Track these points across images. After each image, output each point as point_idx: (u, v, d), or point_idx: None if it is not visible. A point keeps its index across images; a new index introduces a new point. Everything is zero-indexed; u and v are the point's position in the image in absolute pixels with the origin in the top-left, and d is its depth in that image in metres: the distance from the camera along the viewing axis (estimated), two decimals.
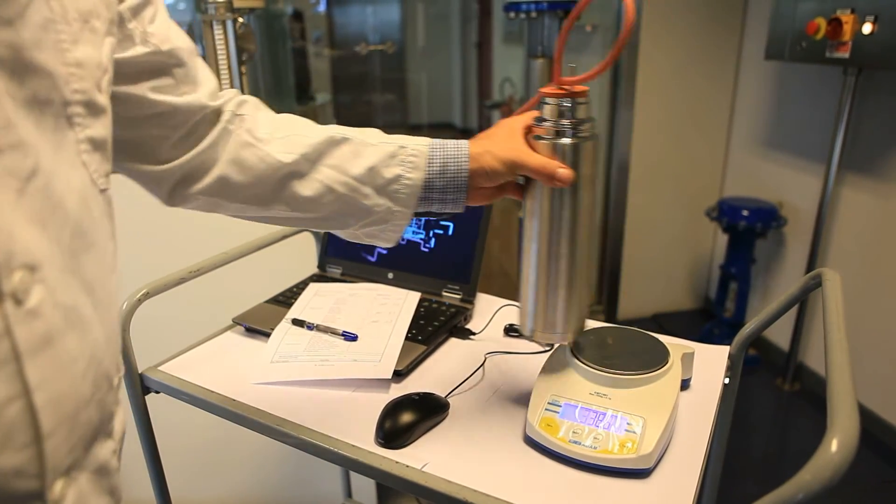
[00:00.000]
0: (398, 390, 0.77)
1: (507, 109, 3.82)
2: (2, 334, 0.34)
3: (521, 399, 0.72)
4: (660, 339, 0.75)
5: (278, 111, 0.67)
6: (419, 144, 0.63)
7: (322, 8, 4.02)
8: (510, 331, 0.91)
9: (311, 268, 1.12)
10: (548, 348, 0.87)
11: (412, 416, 0.67)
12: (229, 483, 1.49)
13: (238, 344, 0.91)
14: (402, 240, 1.02)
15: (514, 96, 3.71)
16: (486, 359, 0.84)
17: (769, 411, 2.29)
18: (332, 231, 0.68)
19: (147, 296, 0.83)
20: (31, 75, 0.37)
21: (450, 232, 0.99)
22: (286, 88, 3.06)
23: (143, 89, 0.56)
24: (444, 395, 0.74)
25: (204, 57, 1.60)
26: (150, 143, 0.60)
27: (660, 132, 2.64)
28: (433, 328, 0.89)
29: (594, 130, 0.62)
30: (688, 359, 0.74)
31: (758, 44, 2.38)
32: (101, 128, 0.44)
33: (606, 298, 2.91)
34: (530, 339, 0.69)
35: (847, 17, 1.76)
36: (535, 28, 2.06)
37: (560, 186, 0.61)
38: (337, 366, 0.80)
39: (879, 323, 2.02)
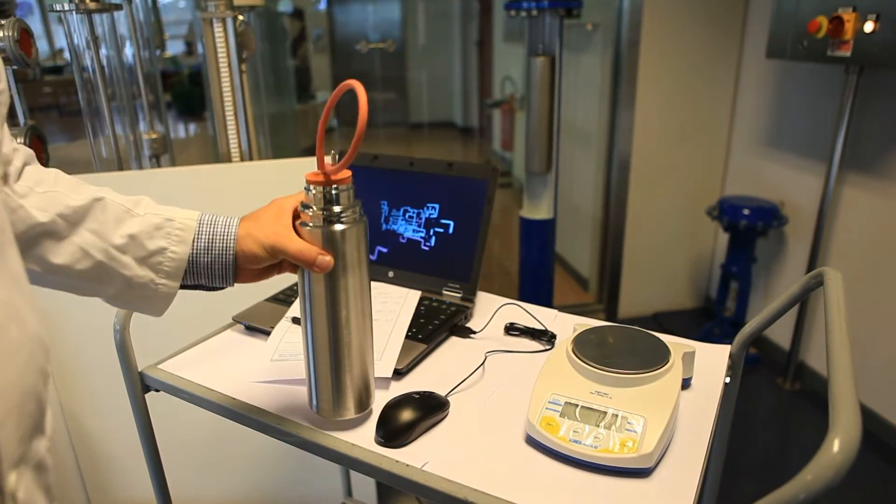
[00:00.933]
0: (398, 389, 0.76)
1: (508, 107, 3.82)
2: None
3: (522, 398, 0.72)
4: (661, 338, 0.75)
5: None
6: (187, 218, 0.61)
7: (322, 6, 4.01)
8: (511, 329, 0.91)
9: None
10: (549, 347, 0.86)
11: (412, 415, 0.67)
12: (229, 482, 1.49)
13: (238, 342, 0.91)
14: (403, 238, 1.02)
15: (515, 94, 3.70)
16: (486, 357, 0.84)
17: (770, 411, 2.29)
18: (91, 296, 0.63)
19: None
20: None
21: (450, 230, 0.99)
22: (286, 87, 3.06)
23: None
24: (444, 394, 0.74)
25: (204, 55, 1.60)
26: None
27: (660, 131, 2.64)
28: (433, 327, 0.88)
29: (357, 215, 0.62)
30: (689, 358, 0.73)
31: (759, 42, 2.37)
32: None
33: (607, 297, 2.91)
34: (319, 415, 0.69)
35: (849, 16, 1.76)
36: (535, 26, 2.05)
37: (319, 273, 0.61)
38: None
39: (880, 322, 2.02)
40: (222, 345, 0.90)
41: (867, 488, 1.84)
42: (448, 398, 0.73)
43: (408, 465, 0.63)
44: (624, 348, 0.72)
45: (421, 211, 1.01)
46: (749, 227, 2.34)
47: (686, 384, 0.75)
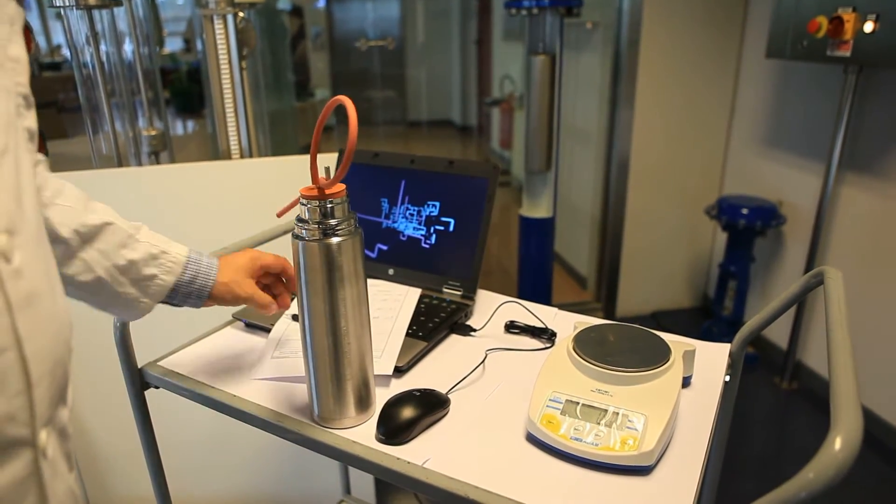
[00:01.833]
0: (399, 386, 0.76)
1: (507, 106, 3.81)
2: None
3: (523, 396, 0.72)
4: (661, 336, 0.75)
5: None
6: (179, 254, 0.72)
7: (322, 3, 4.01)
8: (511, 327, 0.91)
9: None
10: (549, 345, 0.86)
11: (413, 413, 0.67)
12: (228, 479, 1.49)
13: (238, 339, 0.90)
14: (403, 236, 1.02)
15: (514, 93, 3.70)
16: (486, 355, 0.84)
17: (767, 410, 2.30)
18: (76, 300, 0.70)
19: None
20: None
21: (451, 228, 0.99)
22: (285, 84, 3.06)
23: None
24: (444, 392, 0.74)
25: (204, 52, 1.60)
26: None
27: (660, 130, 2.64)
28: (434, 324, 0.88)
29: (353, 227, 0.64)
30: (689, 356, 0.74)
31: (758, 42, 2.37)
32: (33, 121, 0.49)
33: (605, 296, 2.91)
34: (320, 424, 0.70)
35: (849, 16, 1.76)
36: (536, 24, 2.05)
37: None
38: None
39: (878, 322, 2.02)
40: (222, 342, 0.90)
41: (866, 488, 1.84)
42: (448, 396, 0.73)
43: (409, 463, 0.63)
44: (625, 346, 0.72)
45: (421, 209, 1.01)
46: (747, 227, 2.34)
47: (686, 382, 0.75)
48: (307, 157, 0.62)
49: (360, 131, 0.63)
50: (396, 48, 4.13)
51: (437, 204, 1.00)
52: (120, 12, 1.61)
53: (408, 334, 0.85)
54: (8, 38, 0.45)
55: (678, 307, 2.97)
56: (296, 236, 0.64)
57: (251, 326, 0.93)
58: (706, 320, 2.75)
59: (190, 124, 3.09)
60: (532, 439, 0.66)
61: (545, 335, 0.88)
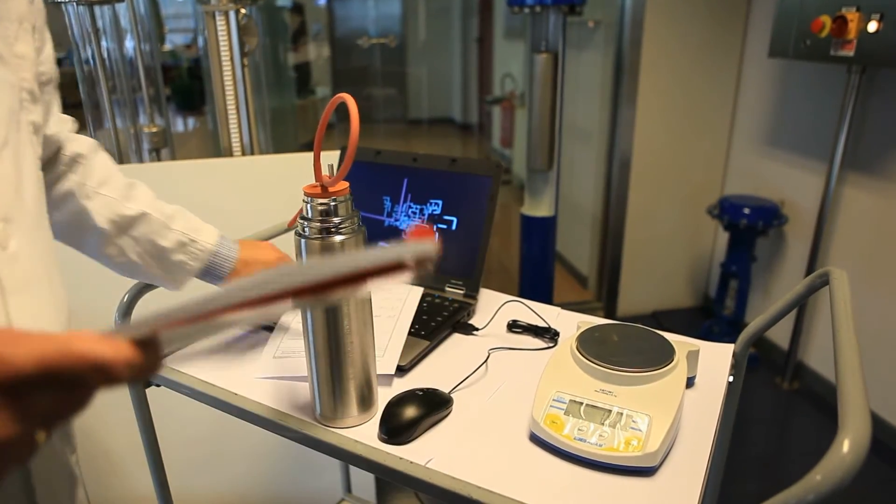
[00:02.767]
0: (401, 386, 0.76)
1: (508, 105, 3.80)
2: None
3: (526, 395, 0.72)
4: (665, 336, 0.75)
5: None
6: (207, 242, 0.77)
7: (323, 1, 4.00)
8: (514, 327, 0.90)
9: None
10: (552, 344, 0.86)
11: (416, 412, 0.67)
12: (229, 477, 1.49)
13: (240, 338, 0.90)
14: (405, 234, 1.02)
15: (515, 92, 3.69)
16: (489, 354, 0.83)
17: (768, 410, 2.29)
18: (119, 274, 0.78)
19: (148, 288, 0.82)
20: None
21: (453, 227, 0.99)
22: (286, 81, 3.05)
23: None
24: (447, 391, 0.73)
25: (205, 48, 1.59)
26: None
27: (661, 129, 2.63)
28: (436, 323, 0.88)
29: (356, 225, 0.64)
30: (693, 357, 0.73)
31: (761, 41, 2.37)
32: (38, 115, 0.51)
33: (606, 295, 2.91)
34: (322, 423, 0.70)
35: (852, 15, 1.75)
36: (538, 23, 2.05)
37: None
38: None
39: (880, 323, 2.02)
40: (224, 340, 0.89)
41: (866, 488, 1.84)
42: (451, 395, 0.73)
43: (411, 462, 0.62)
44: (628, 346, 0.72)
45: (424, 207, 1.01)
46: (749, 226, 2.33)
47: (690, 383, 0.75)
48: (309, 155, 0.62)
49: (361, 129, 0.63)
50: (397, 46, 4.13)
51: (440, 202, 1.00)
52: (121, 8, 1.60)
53: (410, 333, 0.85)
54: (15, 36, 0.47)
55: (679, 306, 2.97)
56: (298, 234, 0.63)
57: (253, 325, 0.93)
58: (707, 320, 2.74)
59: (191, 121, 3.08)
60: (535, 439, 0.65)
61: (548, 335, 0.88)
